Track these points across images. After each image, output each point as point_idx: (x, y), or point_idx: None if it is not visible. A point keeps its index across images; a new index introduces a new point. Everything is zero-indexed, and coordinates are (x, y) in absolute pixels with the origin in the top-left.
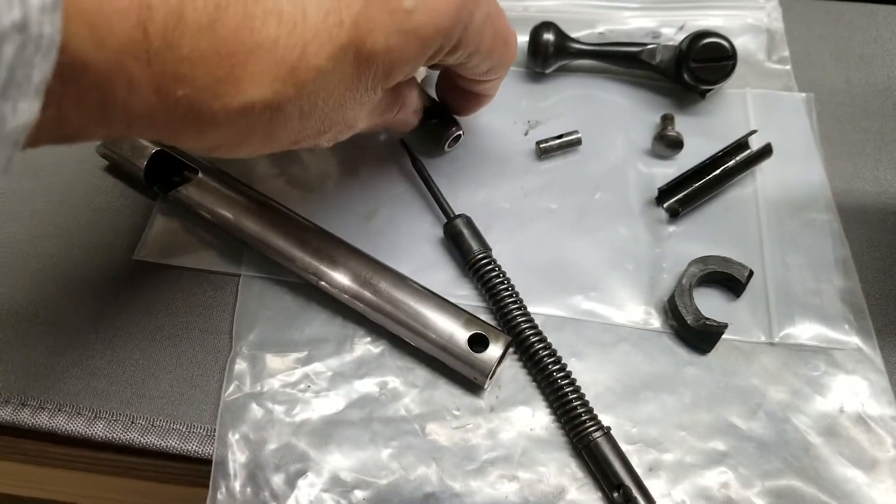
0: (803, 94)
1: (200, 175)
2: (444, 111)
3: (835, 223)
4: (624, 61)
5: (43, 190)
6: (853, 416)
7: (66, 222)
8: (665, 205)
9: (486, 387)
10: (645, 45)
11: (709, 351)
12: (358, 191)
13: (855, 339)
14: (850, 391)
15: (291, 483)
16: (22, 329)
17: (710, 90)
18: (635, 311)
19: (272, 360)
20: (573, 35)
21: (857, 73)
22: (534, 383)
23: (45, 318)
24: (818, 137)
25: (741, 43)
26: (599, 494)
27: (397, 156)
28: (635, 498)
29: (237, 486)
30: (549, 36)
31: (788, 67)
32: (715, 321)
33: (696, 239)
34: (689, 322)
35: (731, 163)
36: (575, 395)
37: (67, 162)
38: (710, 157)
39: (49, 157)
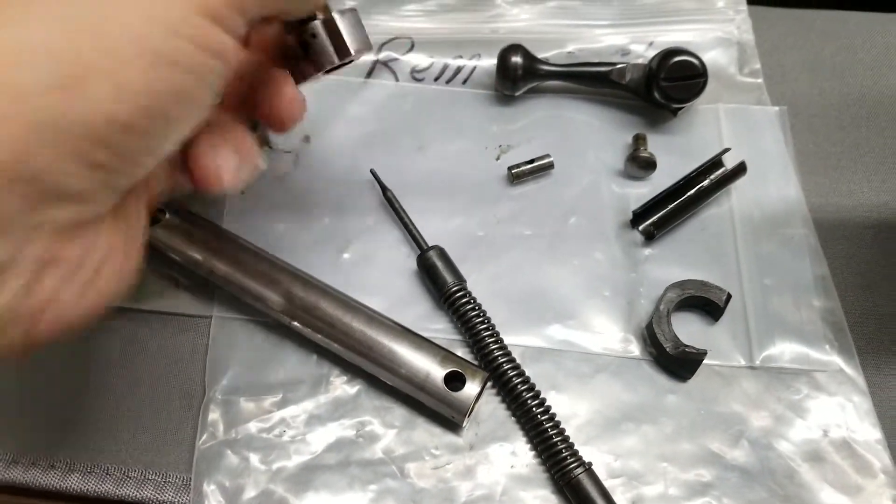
0: (776, 108)
1: (168, 216)
2: None
3: (812, 239)
4: (594, 81)
5: None
6: (837, 440)
7: None
8: (640, 227)
9: (464, 425)
10: (614, 64)
11: (689, 378)
12: (329, 224)
13: (836, 360)
14: (833, 414)
15: None
16: None
17: (681, 108)
18: (614, 339)
19: (246, 405)
20: (543, 56)
21: (830, 84)
22: (513, 418)
23: (12, 368)
24: (793, 151)
25: (712, 57)
26: None
27: (368, 187)
28: None
29: None
30: (517, 59)
31: (760, 80)
32: (694, 348)
33: (672, 261)
34: (668, 350)
35: (706, 182)
36: (555, 431)
37: None
38: (684, 178)
39: None
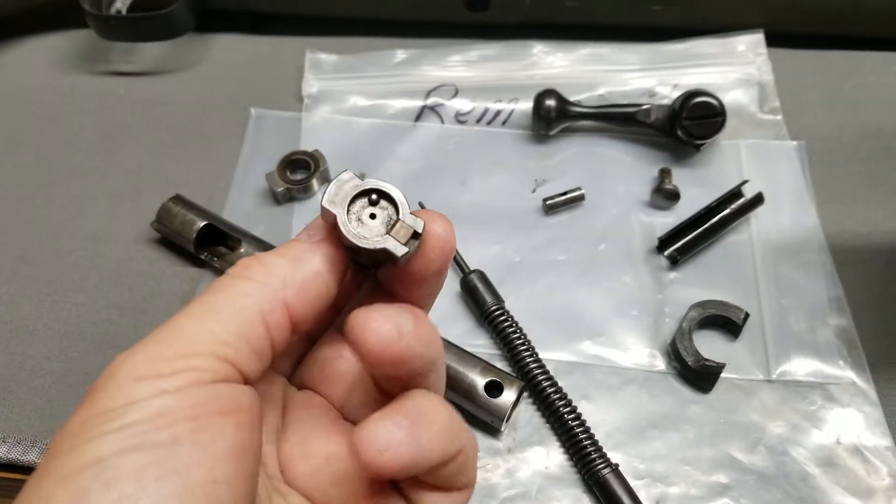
0: (794, 143)
1: (244, 247)
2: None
3: (828, 264)
4: (622, 121)
5: (103, 262)
6: (849, 447)
7: (124, 291)
8: (665, 253)
9: (503, 429)
10: (640, 105)
11: (710, 390)
12: None
13: (849, 374)
14: (845, 424)
15: None
16: None
17: (703, 144)
18: (640, 355)
19: None
20: (576, 98)
21: (847, 119)
22: (547, 425)
23: None
24: (810, 182)
25: (733, 96)
26: None
27: None
28: None
29: None
30: (550, 102)
31: (780, 117)
32: (714, 362)
33: (696, 284)
34: (689, 363)
35: (726, 211)
36: (585, 435)
37: (124, 237)
38: (706, 207)
39: (108, 232)
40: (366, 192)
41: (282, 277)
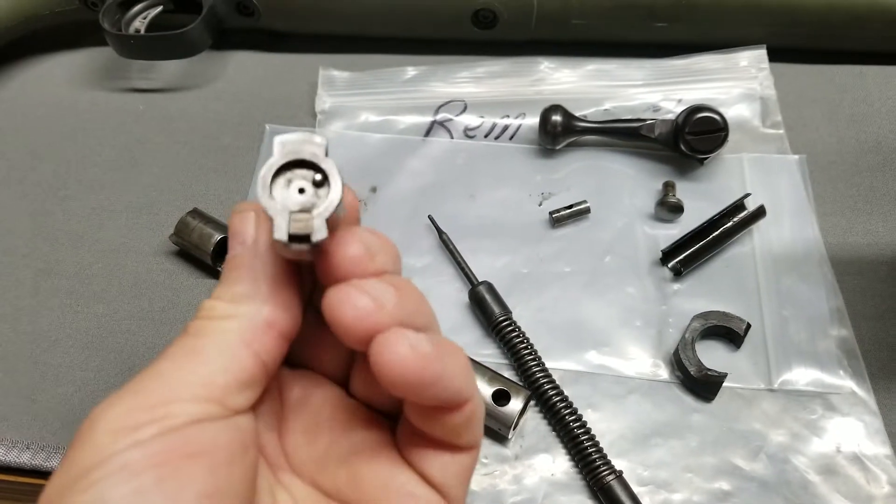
0: (796, 157)
1: None
2: None
3: (829, 275)
4: (626, 136)
5: (122, 274)
6: (849, 455)
7: (144, 302)
8: (669, 265)
9: (510, 437)
10: (645, 120)
11: (712, 399)
12: None
13: (850, 384)
14: (846, 432)
15: None
16: None
17: (707, 158)
18: (644, 364)
19: None
20: (582, 113)
21: (848, 133)
22: (553, 433)
23: None
24: (811, 195)
25: (736, 111)
26: None
27: (426, 230)
28: None
29: None
30: (556, 117)
31: (782, 132)
32: (715, 371)
33: (699, 295)
34: (692, 373)
35: (729, 224)
36: (590, 443)
37: (143, 249)
38: (709, 220)
39: (128, 245)
40: (306, 164)
41: (250, 298)
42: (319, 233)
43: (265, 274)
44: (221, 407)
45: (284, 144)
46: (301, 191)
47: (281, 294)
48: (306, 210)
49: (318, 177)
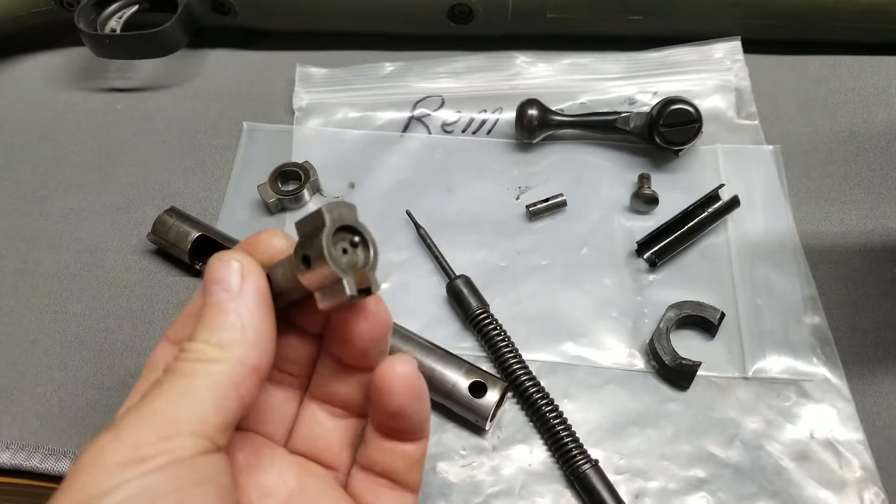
0: (770, 147)
1: None
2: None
3: (802, 264)
4: (602, 128)
5: (101, 273)
6: (823, 441)
7: (122, 301)
8: (644, 256)
9: (487, 428)
10: (620, 112)
11: (688, 387)
12: None
13: (823, 371)
14: (819, 419)
15: None
16: (90, 397)
17: (682, 149)
18: (620, 354)
19: None
20: (558, 107)
21: (822, 123)
22: (531, 423)
23: (109, 384)
24: (786, 185)
25: (711, 102)
26: None
27: (404, 225)
28: None
29: None
30: (532, 111)
31: (756, 122)
32: (689, 360)
33: (674, 286)
34: (667, 362)
35: (703, 215)
36: (567, 433)
37: (121, 248)
38: (683, 211)
39: (106, 244)
40: (348, 229)
41: (237, 344)
42: (376, 285)
43: (251, 322)
44: (212, 443)
45: (331, 211)
46: (344, 251)
47: (263, 340)
48: (355, 266)
49: (357, 238)
